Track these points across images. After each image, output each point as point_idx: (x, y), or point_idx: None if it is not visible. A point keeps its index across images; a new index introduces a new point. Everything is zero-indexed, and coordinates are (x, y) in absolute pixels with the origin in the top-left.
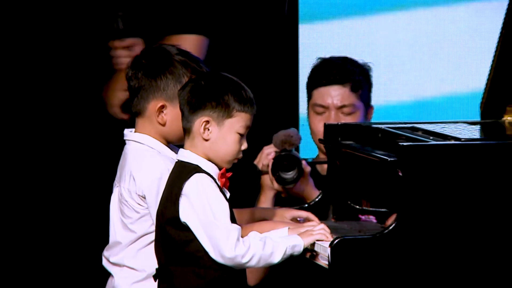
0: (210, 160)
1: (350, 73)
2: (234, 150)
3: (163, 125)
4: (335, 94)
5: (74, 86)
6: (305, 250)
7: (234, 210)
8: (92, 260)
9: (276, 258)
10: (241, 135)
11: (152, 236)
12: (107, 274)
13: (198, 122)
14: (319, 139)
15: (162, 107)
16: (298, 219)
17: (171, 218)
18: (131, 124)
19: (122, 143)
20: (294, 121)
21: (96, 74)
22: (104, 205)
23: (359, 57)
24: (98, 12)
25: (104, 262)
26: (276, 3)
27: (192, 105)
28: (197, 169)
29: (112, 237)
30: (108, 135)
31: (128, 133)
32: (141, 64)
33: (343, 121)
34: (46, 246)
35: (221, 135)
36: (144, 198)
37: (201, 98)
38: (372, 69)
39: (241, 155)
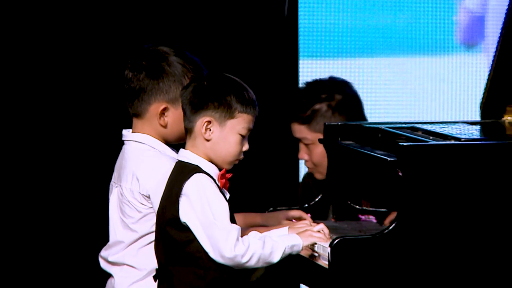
0: (211, 161)
1: (301, 109)
2: (236, 151)
3: (165, 127)
4: (293, 129)
5: (74, 86)
6: (305, 250)
7: (240, 214)
8: (91, 260)
9: (276, 258)
10: (243, 136)
11: (154, 235)
12: (106, 275)
13: (200, 122)
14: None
15: (165, 109)
16: (293, 221)
17: (171, 218)
18: (129, 125)
19: (120, 143)
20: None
21: (95, 74)
22: (102, 206)
23: (359, 57)
24: (97, 12)
25: (102, 264)
26: (276, 4)
27: (195, 105)
28: (197, 169)
29: (112, 237)
30: (105, 136)
31: (127, 133)
32: (142, 66)
33: (312, 151)
34: (45, 246)
35: (223, 136)
36: (148, 197)
37: (203, 98)
38: (350, 87)
39: (242, 156)
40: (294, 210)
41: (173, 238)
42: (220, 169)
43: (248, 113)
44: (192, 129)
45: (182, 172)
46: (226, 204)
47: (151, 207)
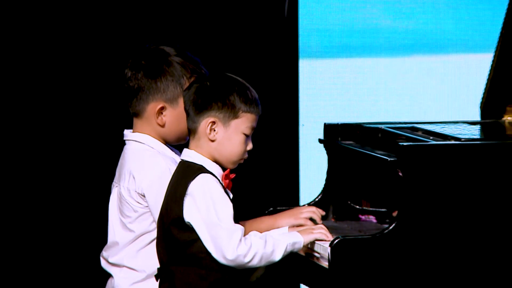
0: (215, 161)
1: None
2: (240, 150)
3: (162, 126)
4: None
5: (74, 86)
6: (306, 251)
7: (246, 222)
8: (91, 260)
9: (277, 256)
10: (247, 136)
11: (152, 236)
12: (106, 275)
13: (204, 123)
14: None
15: (162, 108)
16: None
17: (175, 218)
18: (131, 125)
19: (121, 143)
20: (294, 122)
21: (97, 74)
22: (103, 206)
23: (359, 57)
24: (98, 12)
25: (103, 263)
26: (276, 4)
27: (198, 105)
28: (201, 169)
29: (111, 237)
30: (107, 135)
31: (128, 133)
32: (141, 65)
33: None
34: (45, 246)
35: (227, 136)
36: (144, 196)
37: (207, 99)
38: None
39: (246, 156)
40: (298, 219)
41: (176, 238)
42: (224, 169)
43: (252, 113)
44: (196, 129)
45: (187, 172)
46: (231, 205)
47: (147, 206)
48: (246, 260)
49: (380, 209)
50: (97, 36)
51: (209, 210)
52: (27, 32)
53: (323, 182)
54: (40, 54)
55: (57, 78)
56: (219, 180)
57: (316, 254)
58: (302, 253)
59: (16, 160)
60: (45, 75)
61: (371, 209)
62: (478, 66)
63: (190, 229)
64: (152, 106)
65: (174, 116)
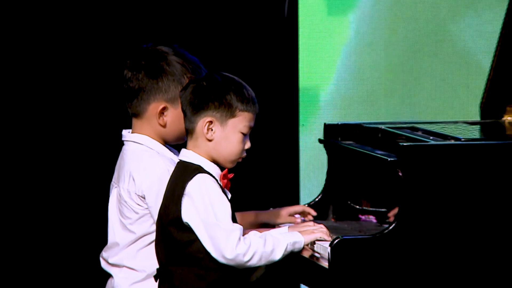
0: (213, 160)
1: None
2: (238, 149)
3: (163, 126)
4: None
5: (73, 86)
6: (306, 250)
7: (237, 214)
8: (91, 261)
9: (277, 255)
10: (244, 135)
11: (152, 237)
12: (106, 275)
13: (202, 123)
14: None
15: (164, 108)
16: (296, 216)
17: (174, 218)
18: (129, 125)
19: (120, 144)
20: (293, 121)
21: (95, 74)
22: (102, 206)
23: (359, 56)
24: (97, 12)
25: (103, 264)
26: (276, 4)
27: (195, 105)
28: (199, 169)
29: (111, 238)
30: (106, 136)
31: (127, 134)
32: (141, 65)
33: None
34: (45, 246)
35: (225, 135)
36: (144, 198)
37: (203, 99)
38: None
39: (244, 154)
40: (297, 206)
41: (174, 238)
42: (222, 169)
43: (249, 111)
44: (194, 129)
45: (185, 172)
46: (229, 205)
47: (147, 208)
48: (246, 259)
49: (380, 209)
50: (95, 36)
51: (207, 210)
52: (25, 32)
53: (323, 182)
54: (38, 54)
55: (55, 79)
56: (217, 180)
57: (316, 254)
58: (306, 256)
59: (16, 160)
60: (43, 75)
61: (371, 209)
62: (478, 66)
63: (188, 229)
64: (154, 106)
65: (175, 116)
